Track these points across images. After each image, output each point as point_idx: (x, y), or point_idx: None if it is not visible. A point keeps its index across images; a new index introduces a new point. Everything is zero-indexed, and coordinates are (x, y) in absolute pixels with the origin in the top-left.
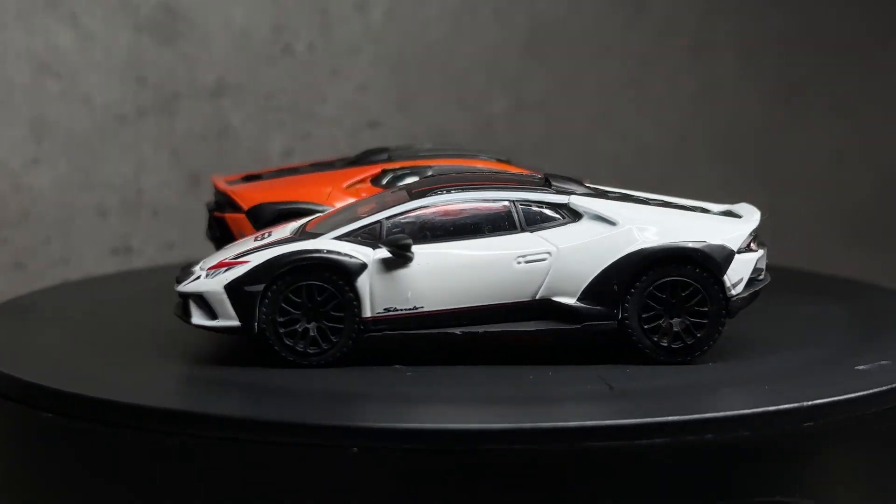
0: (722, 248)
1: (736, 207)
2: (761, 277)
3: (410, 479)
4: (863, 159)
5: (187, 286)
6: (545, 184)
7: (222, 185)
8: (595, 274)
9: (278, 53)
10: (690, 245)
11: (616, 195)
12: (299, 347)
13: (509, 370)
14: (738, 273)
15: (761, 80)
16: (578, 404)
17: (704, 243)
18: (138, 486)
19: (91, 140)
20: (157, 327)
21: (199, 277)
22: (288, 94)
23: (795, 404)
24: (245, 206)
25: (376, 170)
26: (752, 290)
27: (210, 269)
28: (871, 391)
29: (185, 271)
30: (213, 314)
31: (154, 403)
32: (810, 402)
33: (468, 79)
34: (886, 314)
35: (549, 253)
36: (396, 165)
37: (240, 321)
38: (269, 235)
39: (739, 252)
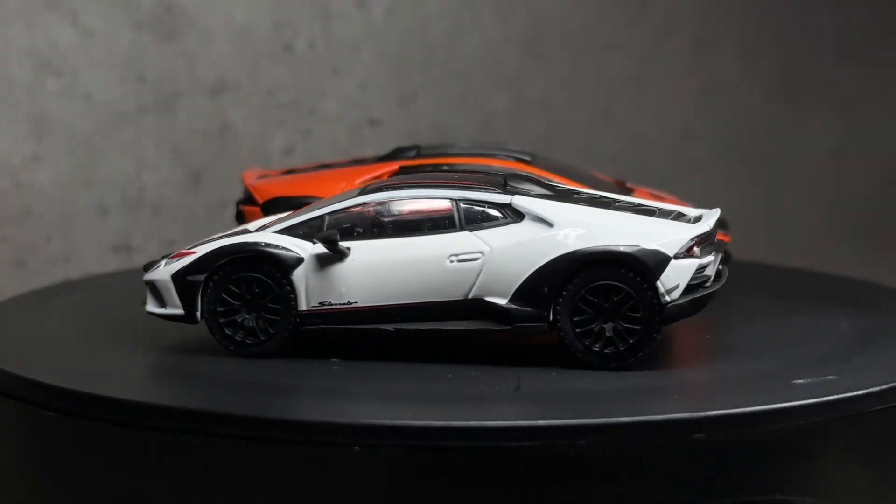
0: (656, 252)
1: (706, 212)
2: (708, 284)
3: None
4: (862, 156)
5: (147, 275)
6: (503, 183)
7: (246, 179)
8: (526, 275)
9: (279, 51)
10: (622, 248)
11: (579, 197)
12: (238, 337)
13: (441, 367)
14: (674, 279)
15: (762, 77)
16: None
17: (637, 247)
18: (140, 483)
19: (92, 138)
20: (159, 325)
21: (159, 267)
22: (289, 91)
23: (792, 403)
24: (260, 200)
25: (394, 167)
26: (692, 297)
27: (169, 258)
28: (868, 390)
29: (153, 261)
30: (163, 302)
31: (156, 401)
32: (807, 401)
33: (469, 76)
34: (885, 313)
35: (481, 252)
36: (414, 163)
37: (183, 310)
38: (241, 228)
39: (677, 257)
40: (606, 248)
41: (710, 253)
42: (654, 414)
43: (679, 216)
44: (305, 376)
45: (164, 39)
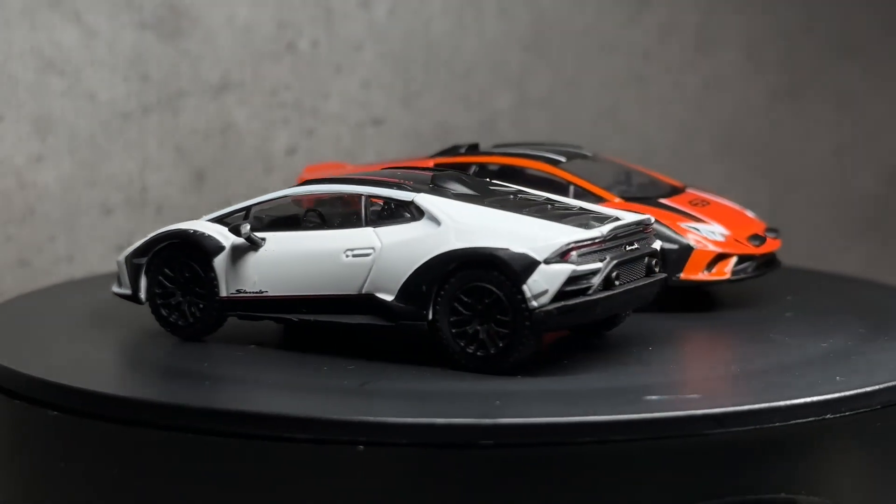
0: (524, 255)
1: (628, 217)
2: (590, 292)
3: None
4: (867, 153)
5: (118, 256)
6: (428, 182)
7: (306, 173)
8: (409, 273)
9: (282, 50)
10: (490, 250)
11: (491, 198)
12: (171, 319)
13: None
14: (543, 284)
15: (765, 75)
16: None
17: (506, 250)
18: (146, 481)
19: (95, 137)
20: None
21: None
22: (292, 90)
23: (801, 400)
24: None
25: (429, 163)
26: (563, 305)
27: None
28: (873, 388)
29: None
30: (119, 283)
31: (162, 399)
32: (817, 398)
33: (472, 75)
34: (890, 312)
35: (373, 248)
36: (447, 161)
37: (130, 290)
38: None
39: (547, 262)
40: (476, 248)
41: (601, 261)
42: (658, 411)
43: (597, 220)
44: (312, 374)
45: (167, 39)
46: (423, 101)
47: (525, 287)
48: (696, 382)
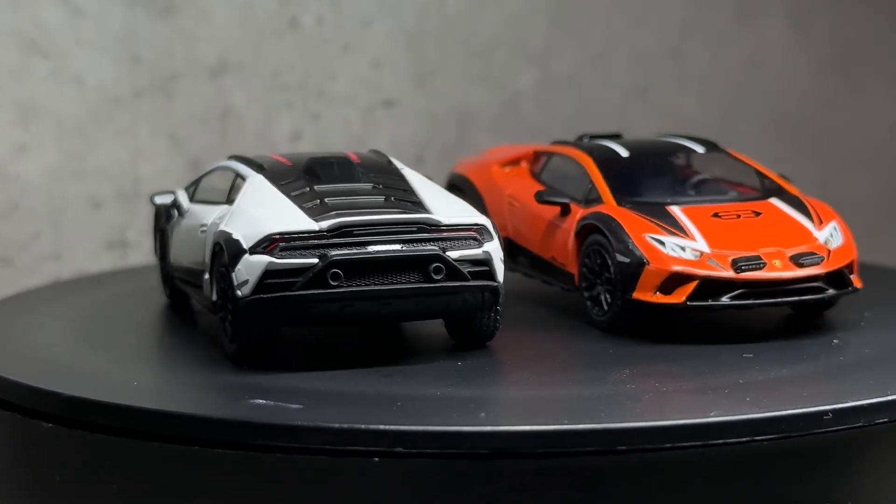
0: (236, 243)
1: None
2: (297, 288)
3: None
4: None
5: None
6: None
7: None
8: (207, 252)
9: (285, 27)
10: (223, 234)
11: (319, 184)
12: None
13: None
14: (245, 274)
15: (814, 47)
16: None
17: (229, 235)
18: (136, 490)
19: (83, 124)
20: (155, 328)
21: None
22: (296, 71)
23: (838, 405)
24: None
25: (529, 151)
26: (259, 297)
27: None
28: None
29: None
30: None
31: (153, 406)
32: (854, 403)
33: (491, 52)
34: None
35: (205, 225)
36: (548, 149)
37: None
38: None
39: (252, 252)
40: (221, 232)
41: (318, 257)
42: (693, 418)
43: (374, 215)
44: (312, 379)
45: (159, 17)
46: (438, 81)
47: (233, 275)
48: (734, 387)
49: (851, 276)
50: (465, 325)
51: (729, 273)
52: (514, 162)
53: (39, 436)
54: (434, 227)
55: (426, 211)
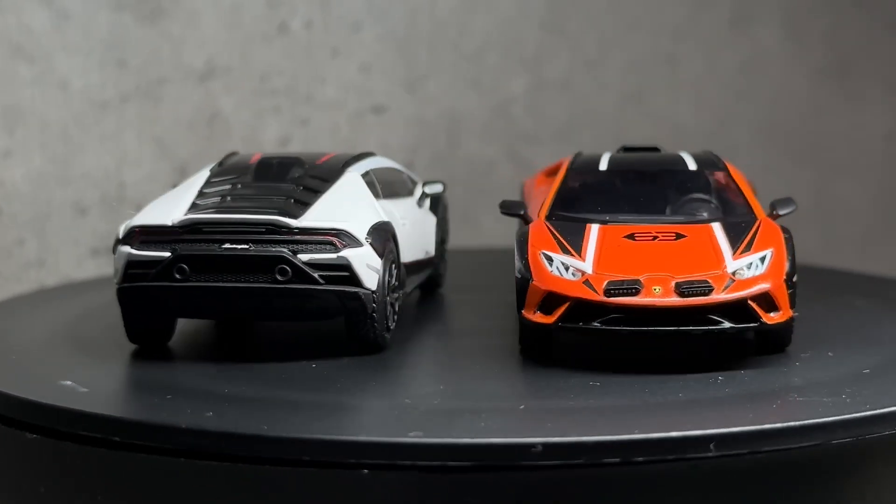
0: (126, 229)
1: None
2: (149, 279)
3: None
4: None
5: None
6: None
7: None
8: None
9: (273, 32)
10: None
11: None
12: None
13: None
14: (116, 263)
15: (809, 53)
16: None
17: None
18: (121, 502)
19: (68, 129)
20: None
21: None
22: (284, 76)
23: (852, 415)
24: None
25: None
26: (122, 286)
27: None
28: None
29: None
30: None
31: (140, 418)
32: (865, 413)
33: (483, 57)
34: None
35: None
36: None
37: None
38: None
39: (121, 242)
40: None
41: (171, 251)
42: (694, 430)
43: (292, 205)
44: (299, 389)
45: (146, 21)
46: (428, 86)
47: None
48: (744, 397)
49: (762, 309)
50: (348, 332)
51: (599, 297)
52: (554, 172)
53: (24, 446)
54: (284, 229)
55: (290, 214)
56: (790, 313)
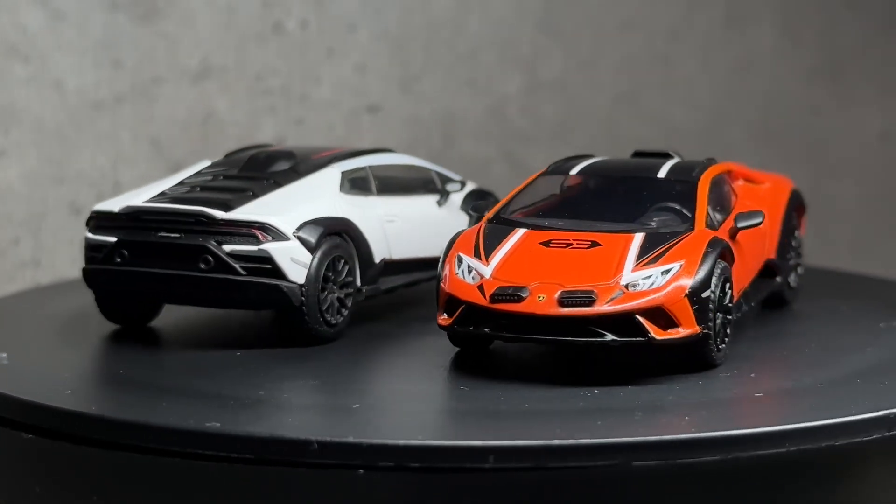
0: (90, 212)
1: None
2: (99, 261)
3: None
4: None
5: None
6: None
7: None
8: None
9: (268, 31)
10: None
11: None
12: None
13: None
14: (84, 246)
15: (803, 53)
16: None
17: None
18: (117, 501)
19: (63, 129)
20: (138, 336)
21: None
22: (279, 76)
23: (840, 419)
24: None
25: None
26: (84, 267)
27: None
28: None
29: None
30: None
31: (143, 420)
32: (854, 417)
33: (477, 56)
34: None
35: None
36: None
37: None
38: None
39: (87, 226)
40: None
41: (105, 234)
42: (687, 432)
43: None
44: (291, 390)
45: (141, 21)
46: (423, 86)
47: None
48: (736, 400)
49: (654, 324)
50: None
51: (486, 302)
52: None
53: (19, 446)
54: (210, 220)
55: (224, 207)
56: (695, 329)
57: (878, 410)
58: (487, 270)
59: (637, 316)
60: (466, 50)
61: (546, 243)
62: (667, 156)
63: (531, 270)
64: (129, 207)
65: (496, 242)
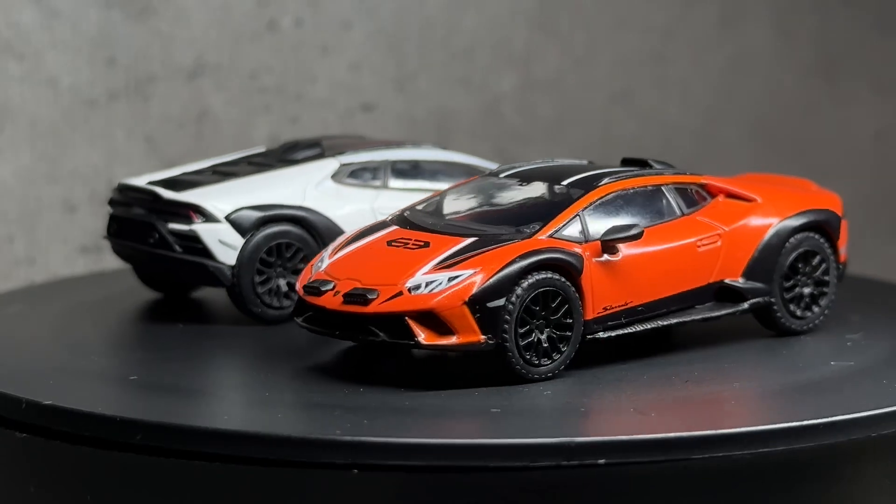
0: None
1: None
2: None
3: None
4: None
5: None
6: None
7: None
8: None
9: (263, 29)
10: None
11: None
12: None
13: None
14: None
15: (797, 52)
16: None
17: None
18: (111, 501)
19: (57, 127)
20: (131, 334)
21: None
22: (274, 74)
23: (831, 418)
24: None
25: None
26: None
27: None
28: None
29: None
30: None
31: (139, 417)
32: (851, 416)
33: (472, 55)
34: None
35: None
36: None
37: None
38: None
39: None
40: None
41: (112, 207)
42: (682, 431)
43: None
44: (290, 389)
45: (135, 18)
46: (418, 85)
47: None
48: (737, 398)
49: (427, 329)
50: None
51: (301, 294)
52: None
53: (13, 445)
54: (157, 199)
55: (182, 188)
56: (477, 338)
57: (866, 410)
58: (323, 264)
59: (406, 318)
60: (461, 48)
61: (391, 242)
62: (645, 164)
63: (354, 267)
64: (120, 184)
65: (362, 237)
